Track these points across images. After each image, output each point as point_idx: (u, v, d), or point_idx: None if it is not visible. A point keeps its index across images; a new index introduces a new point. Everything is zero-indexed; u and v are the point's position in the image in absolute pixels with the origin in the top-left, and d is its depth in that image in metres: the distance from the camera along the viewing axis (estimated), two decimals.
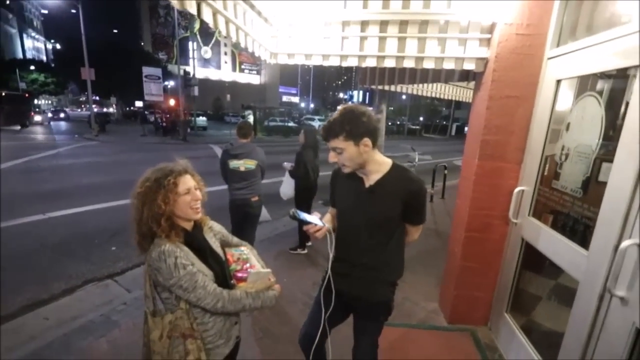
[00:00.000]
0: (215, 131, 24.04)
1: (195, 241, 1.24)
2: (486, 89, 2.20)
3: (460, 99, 5.16)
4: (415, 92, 4.35)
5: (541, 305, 2.27)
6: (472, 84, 3.46)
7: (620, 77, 1.60)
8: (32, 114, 23.49)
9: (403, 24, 2.16)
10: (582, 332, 1.53)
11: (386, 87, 3.64)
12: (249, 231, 3.21)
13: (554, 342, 1.77)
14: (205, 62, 46.33)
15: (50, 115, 28.90)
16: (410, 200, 1.37)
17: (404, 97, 34.84)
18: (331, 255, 1.45)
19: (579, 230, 1.73)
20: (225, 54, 48.95)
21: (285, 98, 59.36)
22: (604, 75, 1.70)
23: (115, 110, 37.85)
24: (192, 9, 1.48)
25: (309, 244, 3.95)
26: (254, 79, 52.84)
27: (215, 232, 1.42)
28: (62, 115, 31.13)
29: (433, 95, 4.63)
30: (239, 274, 1.30)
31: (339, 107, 1.37)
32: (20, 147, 11.95)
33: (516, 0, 2.01)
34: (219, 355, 1.27)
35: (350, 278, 1.47)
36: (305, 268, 3.55)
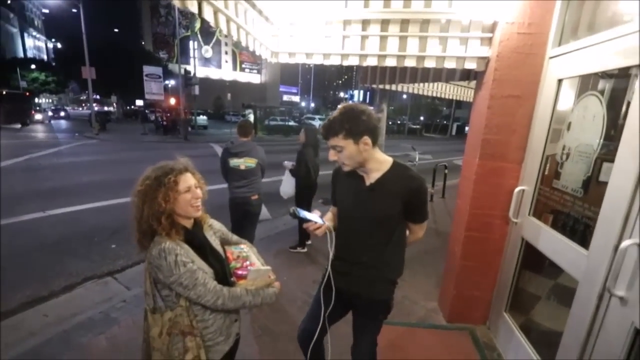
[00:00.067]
0: (215, 130, 24.05)
1: (195, 239, 1.24)
2: (487, 88, 2.19)
3: (461, 99, 5.15)
4: (416, 92, 4.35)
5: (540, 305, 2.27)
6: (473, 83, 3.47)
7: (622, 77, 1.60)
8: (33, 112, 23.56)
9: (404, 23, 2.16)
10: (581, 331, 1.53)
11: (387, 87, 3.64)
12: (249, 229, 3.21)
13: (552, 341, 1.77)
14: (206, 61, 46.30)
15: (50, 113, 29.01)
16: (411, 198, 1.37)
17: (404, 96, 34.88)
18: (331, 254, 1.45)
19: (579, 230, 1.73)
20: (226, 53, 48.92)
21: (285, 97, 59.28)
22: (606, 75, 1.70)
23: (115, 109, 37.90)
24: (193, 7, 1.49)
25: (309, 242, 3.96)
26: (255, 78, 52.80)
27: (215, 230, 1.42)
28: (62, 113, 31.27)
29: (434, 94, 4.62)
30: (239, 272, 1.30)
31: (339, 106, 1.37)
32: (20, 145, 11.97)
33: None
34: (218, 352, 1.27)
35: (350, 276, 1.47)
36: (305, 266, 3.55)
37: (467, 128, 2.65)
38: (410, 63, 2.25)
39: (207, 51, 46.60)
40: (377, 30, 2.20)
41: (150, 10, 44.09)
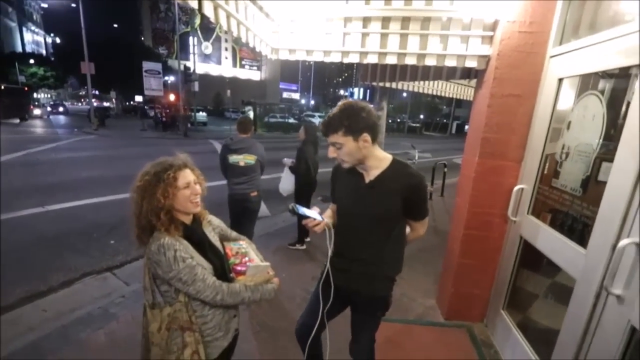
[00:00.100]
0: (215, 127, 23.99)
1: (194, 235, 1.24)
2: (488, 87, 2.19)
3: (462, 97, 5.15)
4: (416, 90, 4.34)
5: (538, 303, 2.28)
6: (473, 81, 3.45)
7: (622, 77, 1.60)
8: (32, 107, 23.46)
9: (405, 21, 2.15)
10: (578, 329, 1.54)
11: (387, 84, 3.63)
12: (248, 226, 3.21)
13: (549, 339, 1.78)
14: (205, 58, 46.12)
15: (49, 108, 28.89)
16: (411, 195, 1.37)
17: (404, 94, 34.78)
18: (330, 251, 1.45)
19: (578, 229, 1.73)
20: (226, 49, 48.74)
21: (285, 94, 59.12)
22: (606, 74, 1.70)
23: (114, 105, 37.75)
24: (193, 3, 1.48)
25: (308, 239, 3.96)
26: (255, 75, 52.66)
27: (214, 226, 1.42)
28: (61, 109, 31.12)
29: (434, 92, 4.62)
30: (238, 268, 1.30)
31: (339, 103, 1.37)
32: (19, 140, 11.93)
33: None
34: (217, 347, 1.27)
35: (349, 273, 1.47)
36: (303, 263, 3.56)
37: (467, 127, 2.65)
38: (410, 61, 2.24)
39: (207, 47, 46.41)
40: (377, 27, 2.19)
41: (150, 5, 43.86)
